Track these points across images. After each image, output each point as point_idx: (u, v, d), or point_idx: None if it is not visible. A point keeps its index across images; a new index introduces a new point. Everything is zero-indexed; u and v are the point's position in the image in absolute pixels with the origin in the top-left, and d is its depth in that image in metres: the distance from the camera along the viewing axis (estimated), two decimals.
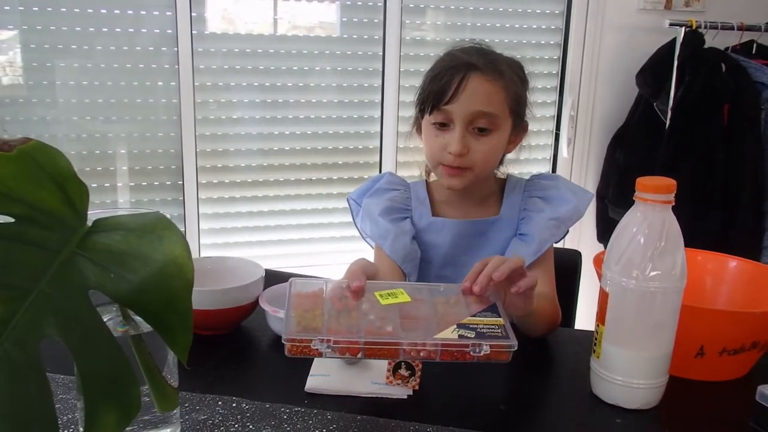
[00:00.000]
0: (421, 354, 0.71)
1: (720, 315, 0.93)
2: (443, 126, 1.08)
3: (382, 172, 1.57)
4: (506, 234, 1.14)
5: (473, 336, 0.72)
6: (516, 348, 0.72)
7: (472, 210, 1.16)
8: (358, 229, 1.21)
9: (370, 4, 2.32)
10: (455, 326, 0.74)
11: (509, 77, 1.08)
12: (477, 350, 0.71)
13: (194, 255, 2.20)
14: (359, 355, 0.71)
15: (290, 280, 0.84)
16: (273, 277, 1.06)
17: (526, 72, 1.14)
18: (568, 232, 1.15)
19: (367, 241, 1.21)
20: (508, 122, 1.09)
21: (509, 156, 1.18)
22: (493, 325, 0.75)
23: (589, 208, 1.16)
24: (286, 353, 0.71)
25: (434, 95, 1.07)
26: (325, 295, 0.80)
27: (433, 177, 1.21)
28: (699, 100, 2.26)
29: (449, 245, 1.14)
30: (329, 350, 0.70)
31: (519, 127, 1.13)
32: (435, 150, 1.09)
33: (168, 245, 0.52)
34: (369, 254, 1.19)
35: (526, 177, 1.21)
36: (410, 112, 1.20)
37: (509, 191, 1.17)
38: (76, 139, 2.17)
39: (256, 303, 1.00)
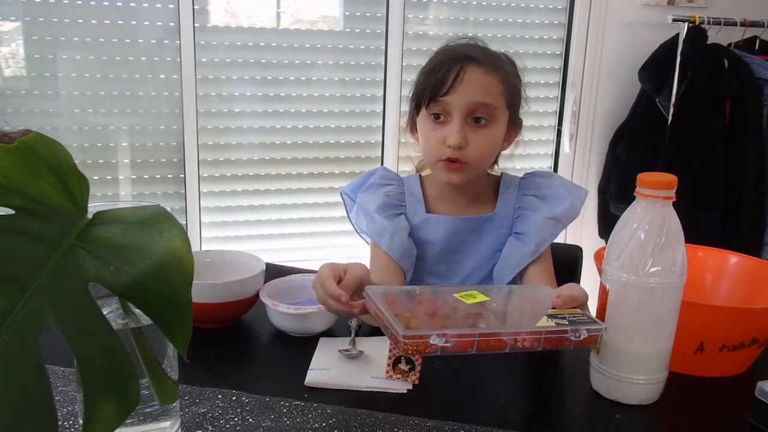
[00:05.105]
0: (525, 344, 0.73)
1: (720, 311, 0.93)
2: (440, 120, 1.07)
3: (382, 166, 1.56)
4: (501, 231, 1.14)
5: (567, 324, 0.75)
6: (606, 331, 0.76)
7: (466, 207, 1.15)
8: (353, 224, 1.20)
9: None
10: (546, 317, 0.77)
11: (506, 71, 1.09)
12: (576, 335, 0.74)
13: (195, 248, 2.21)
14: (470, 350, 0.71)
15: (365, 289, 0.82)
16: (274, 271, 1.06)
17: (519, 68, 1.14)
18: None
19: (362, 237, 1.20)
20: (505, 116, 1.09)
21: (505, 153, 1.18)
22: (576, 314, 0.78)
23: (590, 204, 1.16)
24: (400, 351, 0.71)
25: (432, 87, 1.06)
26: (404, 299, 0.82)
27: (426, 171, 1.20)
28: (701, 97, 2.26)
29: (443, 242, 1.13)
30: (447, 345, 0.70)
31: (514, 124, 1.13)
32: (433, 145, 1.08)
33: (168, 238, 0.52)
34: (366, 249, 1.19)
35: (521, 174, 1.20)
36: None
37: (504, 189, 1.17)
38: (78, 132, 2.17)
39: (256, 297, 1.00)
